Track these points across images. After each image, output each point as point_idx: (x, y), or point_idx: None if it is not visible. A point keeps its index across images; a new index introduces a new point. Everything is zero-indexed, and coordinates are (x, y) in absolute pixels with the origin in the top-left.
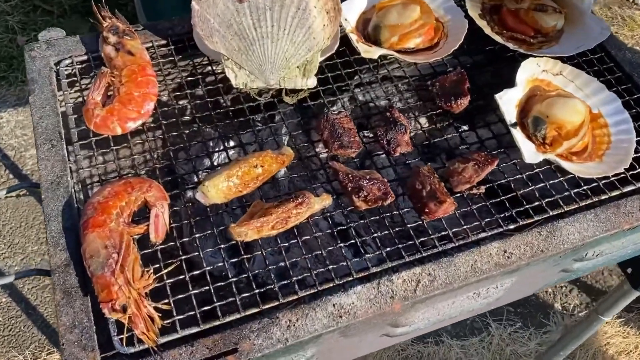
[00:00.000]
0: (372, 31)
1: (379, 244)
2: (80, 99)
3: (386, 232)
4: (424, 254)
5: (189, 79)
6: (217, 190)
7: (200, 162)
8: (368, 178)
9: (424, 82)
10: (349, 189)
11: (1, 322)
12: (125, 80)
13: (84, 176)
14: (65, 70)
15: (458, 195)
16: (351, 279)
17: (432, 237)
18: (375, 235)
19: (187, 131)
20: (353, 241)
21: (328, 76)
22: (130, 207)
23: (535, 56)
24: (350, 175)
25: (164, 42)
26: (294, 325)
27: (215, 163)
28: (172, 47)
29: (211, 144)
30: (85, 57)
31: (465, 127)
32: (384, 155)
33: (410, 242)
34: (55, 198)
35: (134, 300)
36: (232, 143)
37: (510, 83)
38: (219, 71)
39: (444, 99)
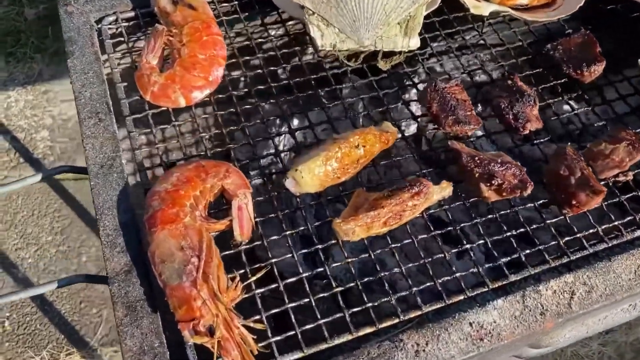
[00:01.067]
0: None
1: (497, 246)
2: (128, 64)
3: (505, 231)
4: (572, 258)
5: (256, 40)
6: (312, 176)
7: (263, 146)
8: (500, 162)
9: (541, 46)
10: (476, 175)
11: (15, 319)
12: (187, 39)
13: (141, 158)
14: (109, 28)
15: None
16: (484, 290)
17: (577, 235)
18: (491, 235)
19: (243, 107)
20: (461, 243)
21: (425, 37)
22: (206, 197)
23: None
24: (477, 159)
25: None
26: (423, 350)
27: (280, 148)
28: (237, 1)
29: (276, 124)
30: (132, 14)
31: (598, 100)
32: (503, 134)
33: (551, 243)
34: (107, 186)
35: (222, 319)
36: (296, 122)
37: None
38: (296, 30)
39: (572, 66)
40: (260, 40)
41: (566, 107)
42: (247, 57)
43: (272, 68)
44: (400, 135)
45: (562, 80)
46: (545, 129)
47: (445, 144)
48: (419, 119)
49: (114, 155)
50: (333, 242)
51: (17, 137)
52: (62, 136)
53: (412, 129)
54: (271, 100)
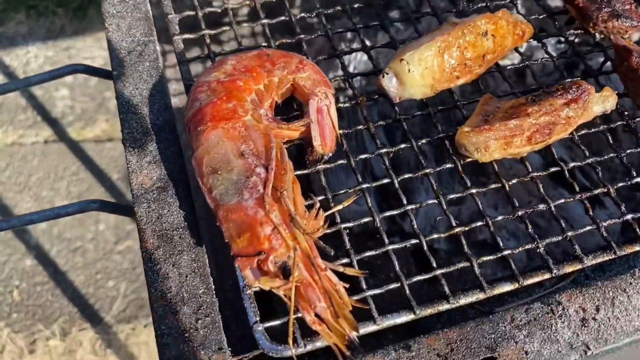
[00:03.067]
0: None
1: None
2: None
3: None
4: None
5: None
6: (423, 69)
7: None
8: None
9: None
10: None
11: (25, 289)
12: None
13: (184, 48)
14: None
15: None
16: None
17: None
18: None
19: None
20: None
21: None
22: (272, 94)
23: None
24: None
25: None
26: (593, 318)
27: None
28: None
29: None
30: None
31: None
32: None
33: None
34: (135, 77)
35: (303, 254)
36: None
37: None
38: None
39: None
40: None
41: None
42: None
43: None
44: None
45: None
46: None
47: (594, 49)
48: (555, 17)
49: (147, 40)
50: (448, 165)
51: (35, 95)
52: (82, 95)
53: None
54: None
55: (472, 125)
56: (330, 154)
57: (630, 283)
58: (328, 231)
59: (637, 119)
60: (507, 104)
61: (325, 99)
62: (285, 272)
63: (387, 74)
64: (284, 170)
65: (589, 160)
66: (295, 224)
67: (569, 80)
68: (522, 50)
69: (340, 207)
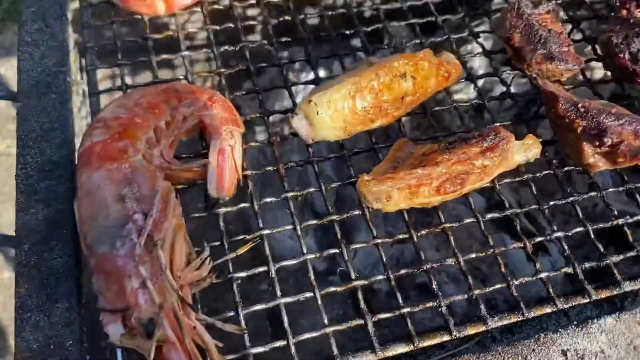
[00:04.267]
0: None
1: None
2: None
3: (615, 217)
4: None
5: None
6: (333, 112)
7: (275, 96)
8: (614, 114)
9: None
10: (578, 130)
11: None
12: None
13: (98, 79)
14: None
15: None
16: (585, 301)
17: None
18: (594, 221)
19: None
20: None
21: None
22: (174, 131)
23: None
24: (581, 107)
25: None
26: None
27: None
28: None
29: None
30: None
31: None
32: (612, 84)
33: None
34: (39, 109)
35: (169, 311)
36: (322, 73)
37: None
38: None
39: None
40: None
41: None
42: None
43: None
44: (465, 74)
45: None
46: None
47: (528, 90)
48: (492, 56)
49: (57, 71)
50: (356, 212)
51: None
52: None
53: (479, 66)
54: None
55: (379, 173)
56: (227, 198)
57: (533, 350)
58: (218, 281)
59: (565, 168)
60: (421, 150)
61: (230, 139)
62: (150, 328)
63: (297, 114)
64: (164, 217)
65: (514, 211)
66: (166, 280)
67: (490, 126)
68: (456, 89)
69: (232, 255)
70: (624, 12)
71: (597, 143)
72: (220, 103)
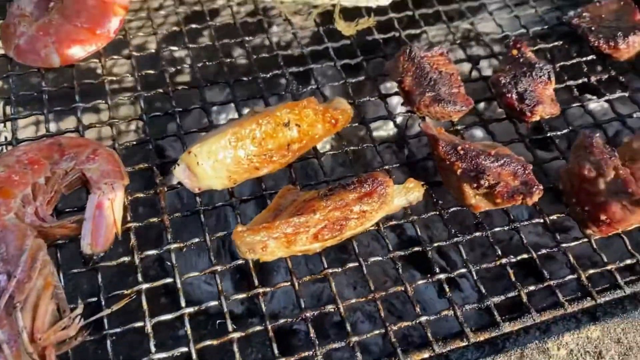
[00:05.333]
0: None
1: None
2: None
3: (499, 257)
4: (598, 300)
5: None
6: (214, 163)
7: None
8: (493, 155)
9: (561, 13)
10: (458, 172)
11: None
12: None
13: None
14: None
15: None
16: (463, 344)
17: (608, 267)
18: (476, 263)
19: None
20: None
21: None
22: (54, 186)
23: None
24: (460, 149)
25: None
26: None
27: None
28: None
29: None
30: None
31: (638, 83)
32: (505, 122)
33: (568, 277)
34: None
35: None
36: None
37: None
38: None
39: (603, 38)
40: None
41: (587, 90)
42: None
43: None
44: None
45: (589, 58)
46: (564, 117)
47: (421, 134)
48: (387, 99)
49: None
50: (240, 261)
51: None
52: None
53: (397, 103)
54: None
55: (258, 222)
56: (102, 254)
57: None
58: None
59: (451, 209)
60: (303, 197)
61: (110, 193)
62: None
63: (178, 165)
64: (29, 277)
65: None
66: (23, 344)
67: (367, 172)
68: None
69: (107, 311)
70: (515, 52)
71: (478, 185)
72: (103, 156)
